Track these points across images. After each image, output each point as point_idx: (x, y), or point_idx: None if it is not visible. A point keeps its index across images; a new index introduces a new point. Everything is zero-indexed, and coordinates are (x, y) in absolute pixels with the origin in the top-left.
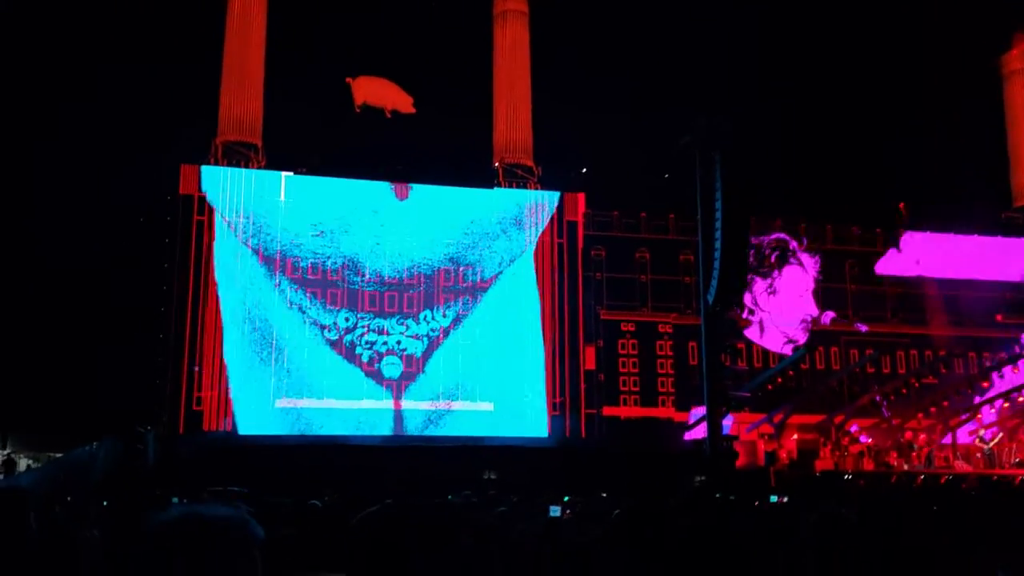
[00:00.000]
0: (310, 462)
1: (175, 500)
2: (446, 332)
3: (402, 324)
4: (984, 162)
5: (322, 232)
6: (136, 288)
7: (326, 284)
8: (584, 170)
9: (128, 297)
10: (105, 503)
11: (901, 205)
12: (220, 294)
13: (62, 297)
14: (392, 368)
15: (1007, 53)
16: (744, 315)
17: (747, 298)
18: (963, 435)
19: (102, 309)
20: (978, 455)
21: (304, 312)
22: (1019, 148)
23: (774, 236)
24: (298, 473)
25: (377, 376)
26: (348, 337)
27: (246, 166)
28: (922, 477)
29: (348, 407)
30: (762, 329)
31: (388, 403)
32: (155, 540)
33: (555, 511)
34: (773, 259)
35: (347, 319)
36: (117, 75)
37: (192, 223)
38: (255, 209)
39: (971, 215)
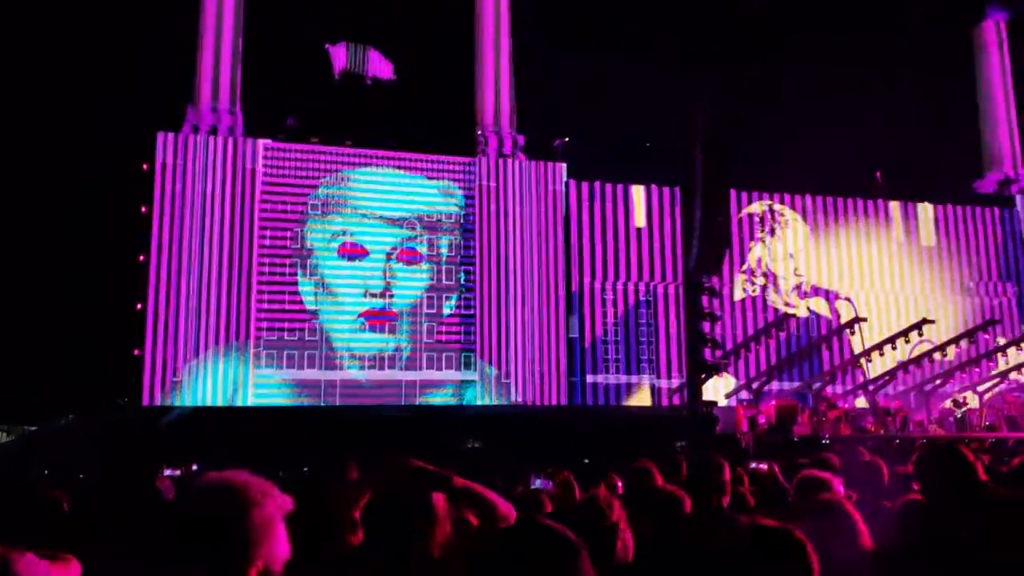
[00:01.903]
0: (285, 430)
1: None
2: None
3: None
4: (957, 132)
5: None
6: (111, 258)
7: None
8: (567, 139)
9: (103, 266)
10: (82, 476)
11: (878, 174)
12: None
13: (33, 265)
14: None
15: (980, 24)
16: (747, 280)
17: (741, 265)
18: (939, 401)
19: (77, 279)
20: (951, 419)
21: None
22: (989, 119)
23: (764, 201)
24: (273, 442)
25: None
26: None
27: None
28: (897, 441)
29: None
30: (761, 292)
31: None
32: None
33: (540, 483)
34: (766, 225)
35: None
36: (87, 41)
37: (167, 191)
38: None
39: (945, 184)
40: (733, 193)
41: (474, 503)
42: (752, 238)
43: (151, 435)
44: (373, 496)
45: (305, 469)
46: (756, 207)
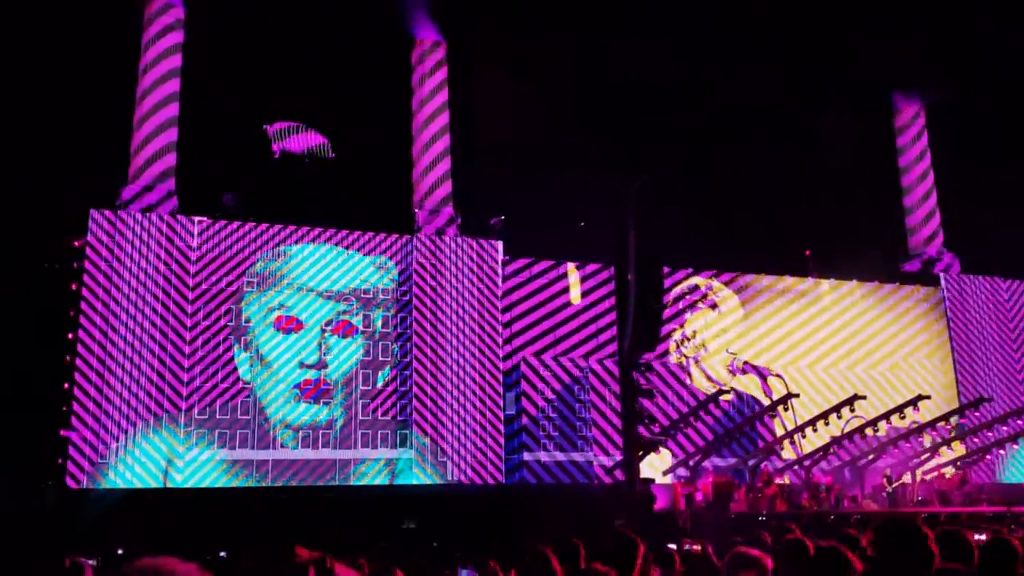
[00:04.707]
0: (216, 515)
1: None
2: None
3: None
4: (885, 213)
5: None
6: (39, 334)
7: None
8: (503, 218)
9: (30, 345)
10: None
11: (807, 253)
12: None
13: None
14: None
15: (899, 112)
16: (677, 349)
17: (669, 344)
18: (872, 476)
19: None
20: (883, 494)
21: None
22: (912, 202)
23: (690, 282)
24: (202, 526)
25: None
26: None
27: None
28: (832, 517)
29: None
30: (689, 373)
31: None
32: None
33: (467, 574)
34: (686, 304)
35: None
36: (21, 114)
37: (101, 268)
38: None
39: (873, 263)
40: (667, 271)
41: None
42: (692, 309)
43: (73, 520)
44: None
45: (222, 554)
46: (698, 280)
